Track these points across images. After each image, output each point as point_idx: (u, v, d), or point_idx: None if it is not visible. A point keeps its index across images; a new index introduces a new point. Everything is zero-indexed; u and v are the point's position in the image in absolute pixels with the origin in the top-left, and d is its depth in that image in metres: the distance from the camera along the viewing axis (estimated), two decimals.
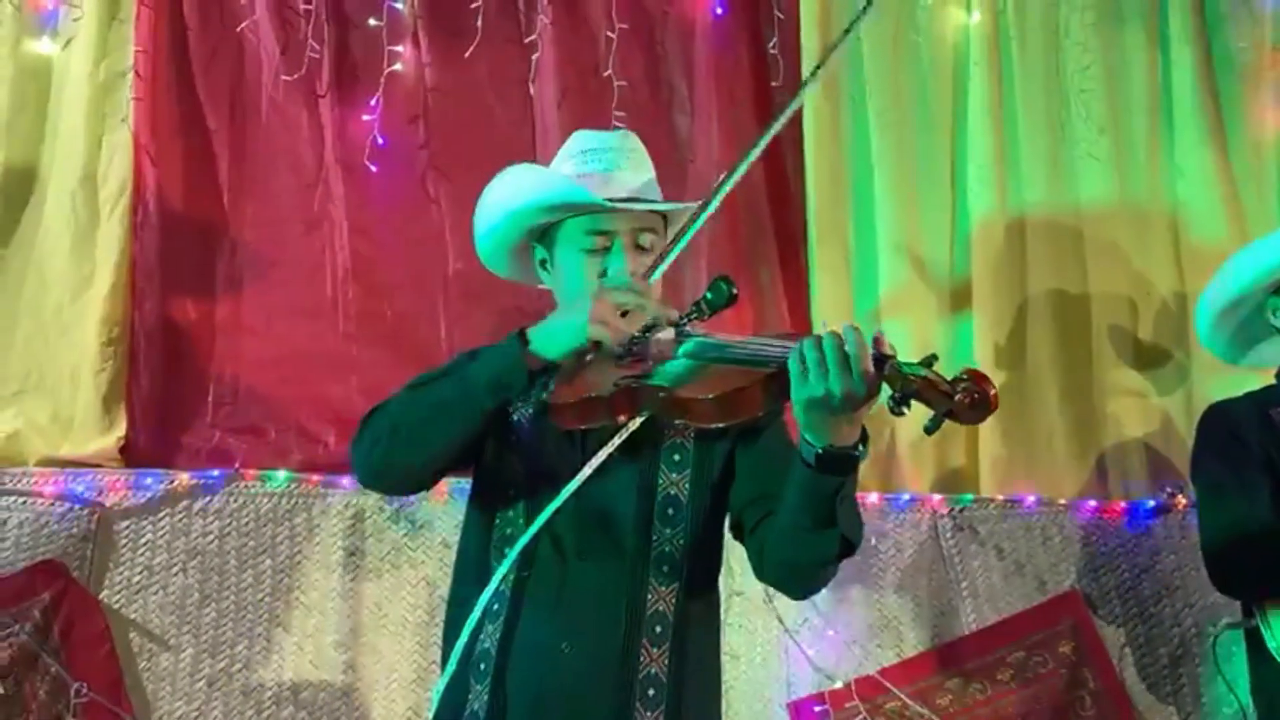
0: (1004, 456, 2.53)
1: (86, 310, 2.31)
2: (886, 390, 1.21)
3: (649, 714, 1.42)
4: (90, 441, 2.28)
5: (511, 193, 1.54)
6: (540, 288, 1.66)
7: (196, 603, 2.22)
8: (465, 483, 1.60)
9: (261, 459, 2.32)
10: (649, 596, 1.45)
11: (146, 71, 2.38)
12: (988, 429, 2.50)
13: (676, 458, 1.51)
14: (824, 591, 2.13)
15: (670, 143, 2.54)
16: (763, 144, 1.41)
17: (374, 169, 2.47)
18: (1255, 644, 2.02)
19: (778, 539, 1.41)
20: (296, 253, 2.45)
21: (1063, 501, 2.53)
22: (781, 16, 2.62)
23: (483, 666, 1.44)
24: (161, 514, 2.24)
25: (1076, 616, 2.43)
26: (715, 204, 1.43)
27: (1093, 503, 2.54)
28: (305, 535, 2.28)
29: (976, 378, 1.16)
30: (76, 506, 2.18)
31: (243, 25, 2.47)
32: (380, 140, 2.47)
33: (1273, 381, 2.16)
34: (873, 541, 2.38)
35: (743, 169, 1.42)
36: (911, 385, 1.18)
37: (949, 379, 1.17)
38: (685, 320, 1.39)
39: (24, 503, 2.18)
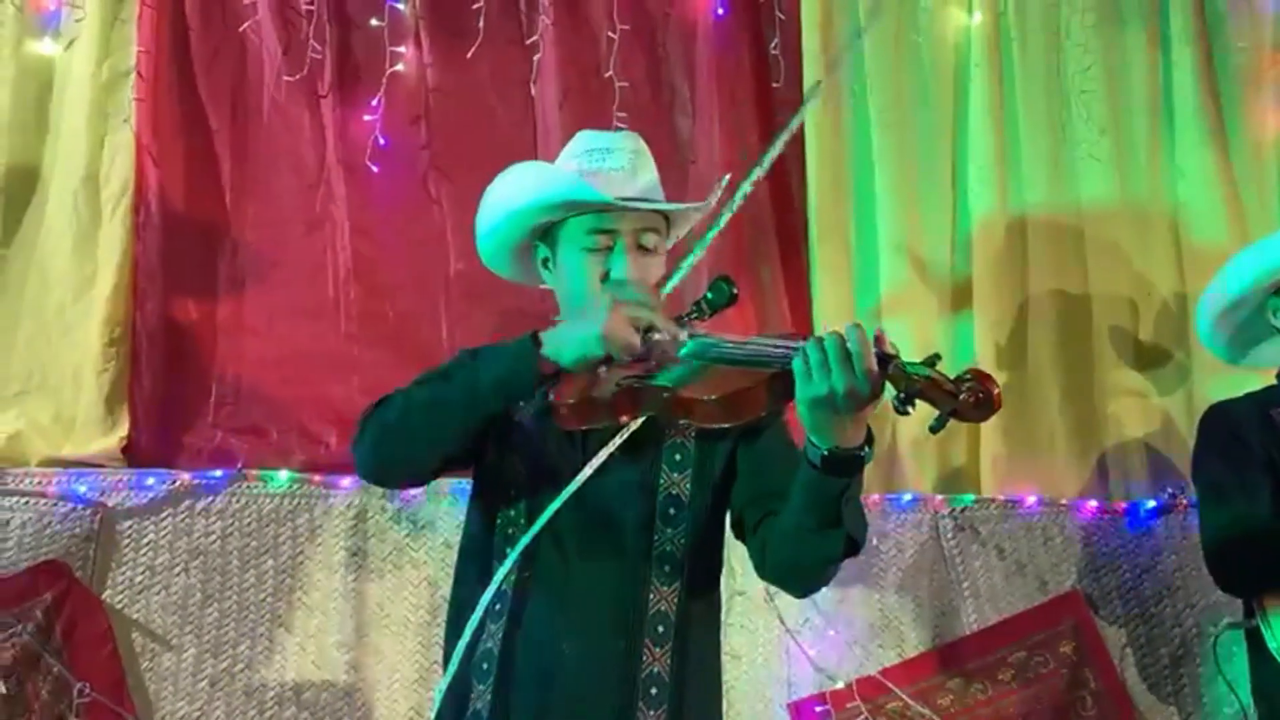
0: (1005, 457, 2.53)
1: (89, 310, 2.31)
2: (891, 390, 1.21)
3: (651, 713, 1.42)
4: (92, 442, 2.28)
5: (516, 190, 1.55)
6: (542, 288, 1.66)
7: (199, 603, 2.22)
8: (467, 483, 1.60)
9: (263, 459, 2.32)
10: (651, 596, 1.45)
11: (148, 72, 2.38)
12: (989, 429, 2.50)
13: (678, 457, 1.51)
14: (825, 591, 2.14)
15: (671, 144, 2.55)
16: (768, 160, 1.41)
17: (375, 169, 2.47)
18: (1256, 644, 2.02)
19: (782, 538, 1.42)
20: (298, 253, 2.45)
21: (1064, 502, 2.53)
22: (783, 17, 2.63)
23: (485, 666, 1.45)
24: (164, 514, 2.24)
25: (1078, 617, 2.43)
26: (725, 220, 1.43)
27: (1094, 503, 2.54)
28: (307, 535, 2.28)
29: (980, 377, 1.17)
30: (79, 506, 2.19)
31: (245, 25, 2.47)
32: (382, 141, 2.47)
33: (1273, 382, 2.17)
34: (874, 541, 2.38)
35: (747, 186, 1.42)
36: (915, 384, 1.19)
37: (953, 378, 1.18)
38: (686, 320, 1.39)
39: (26, 503, 2.18)
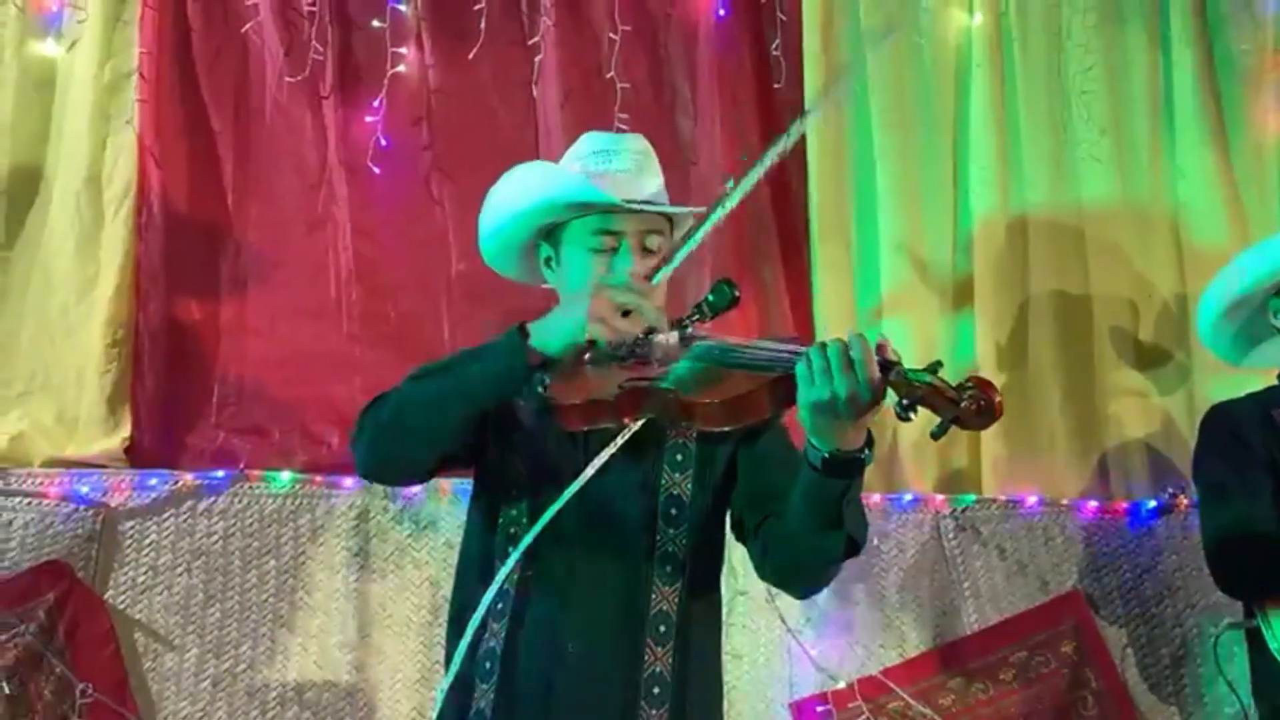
0: (1006, 457, 2.53)
1: (91, 311, 2.32)
2: (893, 397, 1.22)
3: (654, 712, 1.42)
4: (95, 442, 2.28)
5: (522, 189, 1.55)
6: (544, 288, 1.67)
7: (201, 603, 2.23)
8: (469, 483, 1.60)
9: (266, 460, 2.33)
10: (653, 596, 1.46)
11: (151, 73, 2.39)
12: (990, 429, 2.50)
13: (679, 458, 1.51)
14: (826, 592, 2.15)
15: (673, 145, 2.55)
16: (768, 161, 1.41)
17: (377, 170, 2.48)
18: (1257, 644, 2.02)
19: (783, 540, 1.42)
20: (300, 254, 2.45)
21: (1065, 502, 2.54)
22: (784, 19, 2.63)
23: (488, 665, 1.45)
24: (166, 514, 2.24)
25: (1078, 617, 2.43)
26: (718, 216, 1.43)
27: (1094, 503, 2.55)
28: (309, 536, 2.28)
29: (982, 385, 1.18)
30: (81, 507, 2.19)
31: (246, 27, 2.47)
32: (383, 142, 2.48)
33: (1274, 382, 2.17)
34: (875, 542, 2.38)
35: (748, 185, 1.42)
36: (917, 391, 1.20)
37: (955, 385, 1.19)
38: (688, 322, 1.39)
39: (29, 503, 2.18)
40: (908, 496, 2.48)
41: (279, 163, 2.47)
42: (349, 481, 2.30)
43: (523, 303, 2.34)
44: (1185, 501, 2.51)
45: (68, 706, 2.11)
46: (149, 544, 2.23)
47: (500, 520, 1.50)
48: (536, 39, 2.54)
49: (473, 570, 1.52)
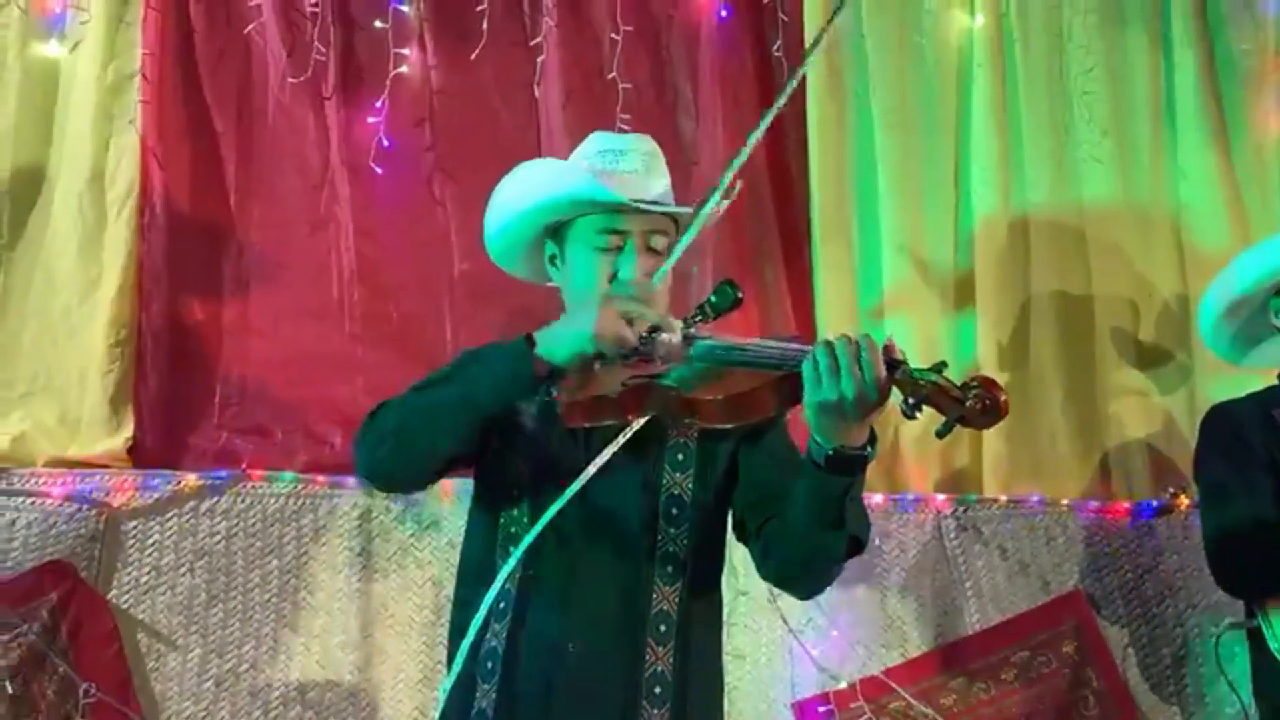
0: (1007, 457, 2.54)
1: (94, 312, 2.32)
2: (898, 395, 1.23)
3: (655, 711, 1.43)
4: (98, 442, 2.29)
5: (530, 186, 1.55)
6: (548, 286, 1.67)
7: (204, 603, 2.23)
8: (471, 483, 1.60)
9: (268, 460, 2.33)
10: (654, 596, 1.46)
11: (153, 74, 2.39)
12: (991, 429, 2.50)
13: (680, 457, 1.51)
14: (828, 592, 2.13)
15: (674, 145, 2.55)
16: (765, 124, 1.41)
17: (380, 171, 2.48)
18: (1258, 644, 2.02)
19: (786, 539, 1.42)
20: (303, 254, 2.46)
21: (1066, 502, 2.54)
22: (786, 19, 2.63)
23: (490, 665, 1.45)
24: (169, 514, 2.25)
25: (1080, 616, 2.43)
26: (715, 202, 1.43)
27: (1096, 503, 2.55)
28: (312, 536, 2.29)
29: (987, 384, 1.19)
30: (84, 507, 2.19)
31: (249, 28, 2.48)
32: (386, 142, 2.48)
33: (1275, 382, 2.17)
34: (877, 542, 2.38)
35: (745, 154, 1.42)
36: (923, 390, 1.21)
37: (960, 384, 1.20)
38: (691, 322, 1.39)
39: (32, 503, 2.19)
40: (910, 496, 2.49)
41: (281, 163, 2.47)
42: (351, 481, 2.31)
43: (526, 303, 2.35)
44: (1186, 501, 2.51)
45: (71, 706, 2.11)
46: (152, 544, 2.24)
47: (501, 520, 1.50)
48: (538, 40, 2.55)
49: (474, 570, 1.52)
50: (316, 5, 2.47)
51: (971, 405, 1.19)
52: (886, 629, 2.39)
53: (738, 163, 1.40)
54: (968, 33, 2.70)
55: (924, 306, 2.60)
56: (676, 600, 1.46)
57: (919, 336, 2.56)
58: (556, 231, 1.58)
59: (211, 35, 2.47)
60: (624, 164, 1.55)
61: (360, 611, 2.26)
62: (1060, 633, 2.41)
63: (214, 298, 2.42)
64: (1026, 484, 2.54)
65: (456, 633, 1.49)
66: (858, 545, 1.39)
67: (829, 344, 1.26)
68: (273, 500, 2.29)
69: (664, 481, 1.50)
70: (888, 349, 1.25)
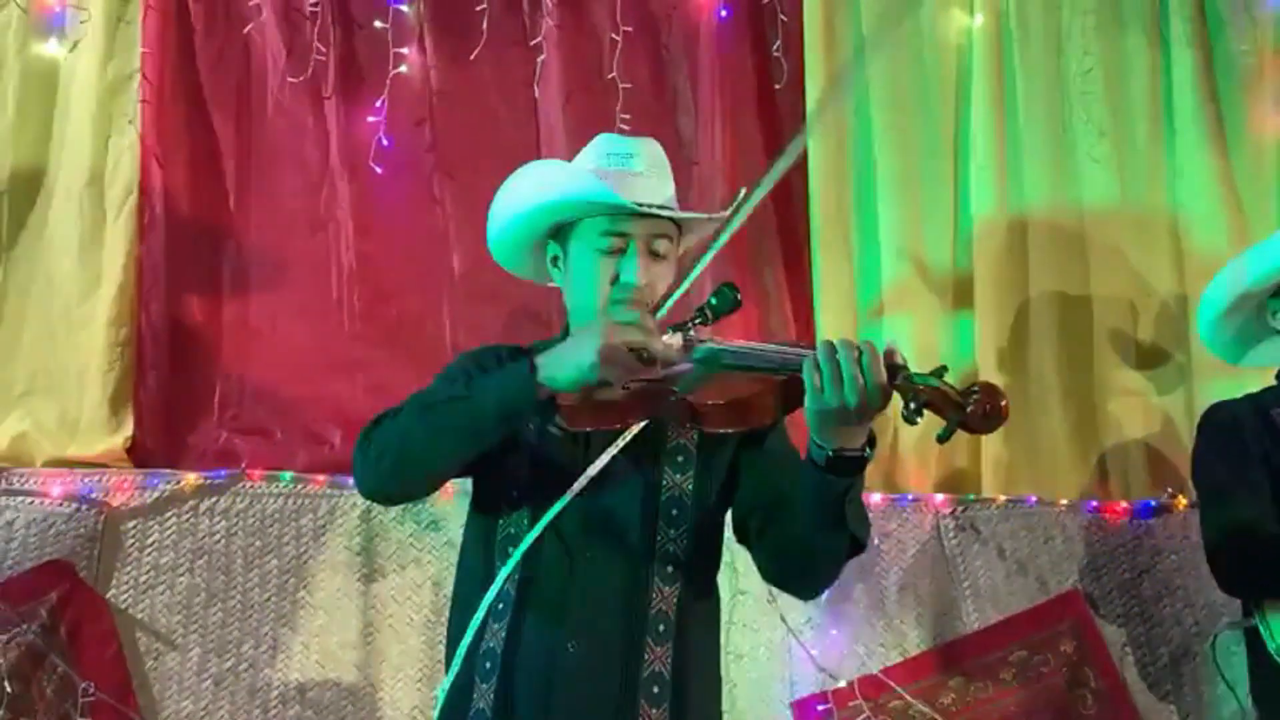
0: (1006, 457, 2.54)
1: (94, 311, 2.32)
2: (899, 400, 1.23)
3: (654, 711, 1.43)
4: (97, 442, 2.29)
5: (540, 185, 1.55)
6: (548, 287, 1.67)
7: (203, 602, 2.23)
8: (470, 483, 1.60)
9: (268, 459, 2.33)
10: (653, 596, 1.46)
11: (153, 74, 2.39)
12: None
13: (680, 459, 1.52)
14: (827, 591, 2.15)
15: (674, 145, 2.55)
16: (773, 179, 1.41)
17: (379, 171, 2.48)
18: (1255, 644, 2.03)
19: (788, 541, 1.43)
20: (302, 254, 2.46)
21: (1064, 502, 2.54)
22: (785, 19, 2.63)
23: (488, 665, 1.46)
24: (168, 514, 2.25)
25: (1078, 616, 2.44)
26: (725, 239, 1.44)
27: (1094, 503, 2.55)
28: (311, 535, 2.29)
29: (988, 389, 1.20)
30: (83, 507, 2.19)
31: (249, 27, 2.48)
32: (385, 142, 2.48)
33: (1273, 382, 2.17)
34: (876, 541, 2.39)
35: (756, 199, 1.43)
36: (924, 396, 1.22)
37: (960, 390, 1.20)
38: (690, 326, 1.39)
39: (31, 503, 2.19)
40: (909, 496, 2.49)
41: (281, 163, 2.47)
42: (351, 481, 2.29)
43: (524, 302, 2.36)
44: (1184, 501, 2.52)
45: (70, 705, 2.11)
46: (151, 543, 2.24)
47: (501, 521, 1.51)
48: (538, 39, 2.55)
49: (473, 570, 1.53)
50: (316, 5, 2.48)
51: (972, 410, 1.20)
52: (885, 628, 2.39)
53: (750, 205, 1.40)
54: (967, 32, 2.70)
55: (923, 307, 2.61)
56: (675, 600, 1.47)
57: (918, 337, 2.57)
58: (559, 232, 1.58)
59: (211, 35, 2.47)
60: (630, 167, 1.55)
61: (360, 611, 2.26)
62: (1058, 632, 2.42)
63: (213, 297, 2.43)
64: (1025, 484, 2.54)
65: (456, 633, 1.49)
66: (858, 545, 1.40)
67: (831, 351, 1.26)
68: (272, 500, 2.29)
69: (664, 482, 1.50)
70: (889, 354, 1.26)
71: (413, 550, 2.31)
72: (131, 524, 2.23)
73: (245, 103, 2.48)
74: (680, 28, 2.62)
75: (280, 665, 2.23)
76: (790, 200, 2.63)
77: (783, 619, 2.31)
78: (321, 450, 2.36)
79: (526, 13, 2.56)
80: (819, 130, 2.59)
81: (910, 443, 2.53)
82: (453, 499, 2.27)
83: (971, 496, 2.51)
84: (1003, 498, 2.51)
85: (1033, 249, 2.66)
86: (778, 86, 2.64)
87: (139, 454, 2.32)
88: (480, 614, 1.42)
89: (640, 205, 1.50)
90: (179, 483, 2.26)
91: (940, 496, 2.50)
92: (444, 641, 1.58)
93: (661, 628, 1.45)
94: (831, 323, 2.54)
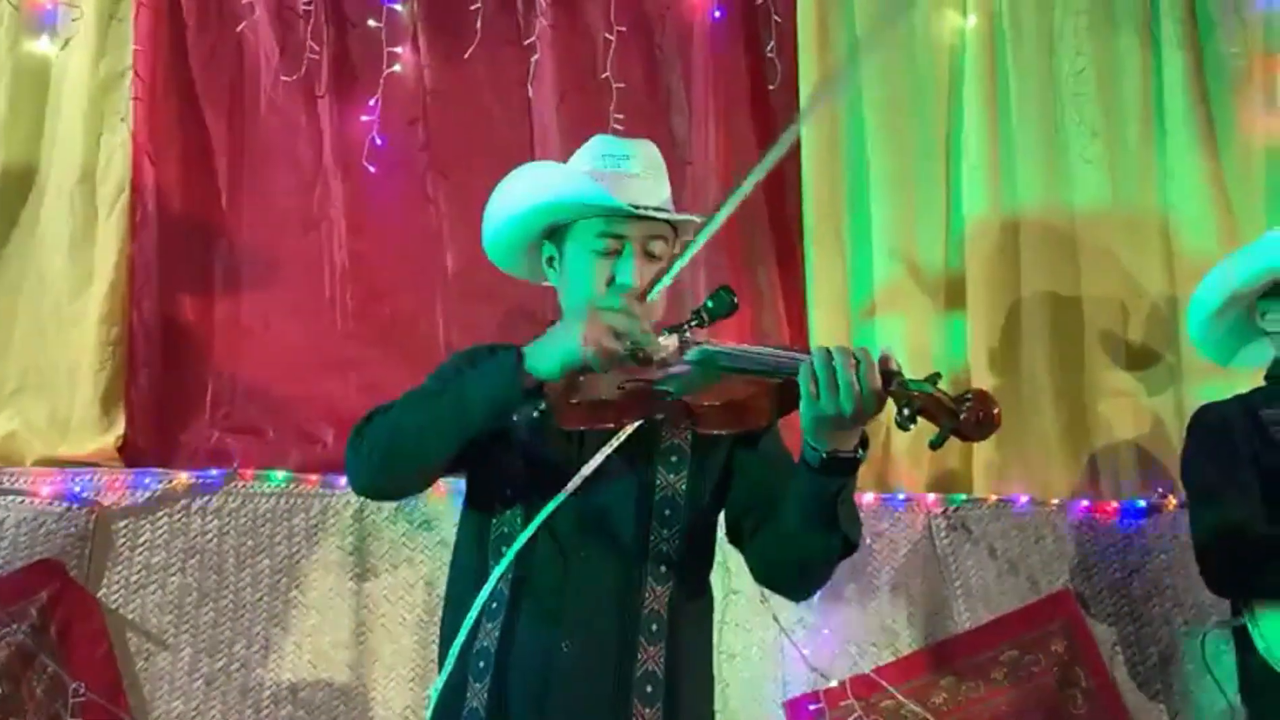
0: (997, 457, 2.55)
1: (85, 309, 2.31)
2: (893, 406, 1.24)
3: (647, 710, 1.43)
4: (88, 441, 2.27)
5: (536, 186, 1.55)
6: (543, 285, 1.67)
7: (194, 602, 2.22)
8: (463, 482, 1.60)
9: (260, 458, 2.32)
10: (646, 595, 1.47)
11: (145, 71, 2.38)
12: None
13: (674, 459, 1.52)
14: (819, 591, 2.16)
15: (668, 145, 2.54)
16: (765, 168, 1.41)
17: (372, 170, 2.47)
18: (1243, 643, 2.04)
19: (780, 541, 1.43)
20: (295, 253, 2.45)
21: (1055, 502, 2.56)
22: (779, 20, 2.64)
23: (482, 664, 1.45)
24: (160, 513, 2.24)
25: (1069, 615, 2.45)
26: (715, 226, 1.44)
27: (1084, 503, 2.57)
28: (304, 535, 2.28)
29: (981, 397, 1.21)
30: (74, 506, 2.18)
31: (242, 25, 2.47)
32: (379, 141, 2.48)
33: (1262, 383, 2.19)
34: (868, 541, 2.40)
35: (745, 189, 1.43)
36: (918, 402, 1.23)
37: (954, 396, 1.21)
38: (686, 327, 1.40)
39: (22, 502, 2.17)
40: (900, 496, 2.50)
41: (274, 161, 2.46)
42: (343, 481, 2.29)
43: (518, 302, 2.36)
44: (1174, 501, 2.53)
45: (60, 705, 2.10)
46: (142, 543, 2.23)
47: (494, 520, 1.50)
48: (532, 39, 2.55)
49: (467, 569, 1.52)
50: (309, 3, 2.47)
51: (966, 418, 1.20)
52: (877, 628, 2.40)
53: (737, 196, 1.40)
54: (960, 33, 2.71)
55: (915, 307, 2.62)
56: (668, 600, 1.47)
57: (910, 337, 2.58)
58: (554, 233, 1.58)
59: (204, 32, 2.46)
60: (626, 169, 1.55)
61: (352, 611, 2.26)
62: (1049, 632, 2.43)
63: (206, 296, 2.41)
64: (1016, 484, 2.55)
65: (449, 631, 1.48)
66: (850, 545, 1.40)
67: (827, 358, 1.27)
68: (264, 499, 2.28)
69: (657, 482, 1.50)
70: (884, 361, 1.27)
71: (405, 550, 2.30)
72: (123, 523, 2.22)
73: (238, 101, 2.47)
74: (674, 28, 2.63)
75: (272, 665, 2.22)
76: (784, 200, 2.63)
77: (775, 619, 2.32)
78: (314, 449, 2.35)
79: (520, 12, 2.56)
80: (812, 130, 2.60)
81: (903, 443, 2.54)
82: (445, 498, 2.27)
83: (963, 496, 2.52)
84: (994, 498, 2.53)
85: (1025, 249, 2.67)
86: (771, 87, 2.65)
87: (130, 453, 2.30)
88: (474, 613, 1.42)
89: (636, 208, 1.50)
90: (170, 482, 2.25)
91: (932, 496, 2.51)
92: (436, 641, 1.58)
93: (654, 627, 1.46)
94: (824, 322, 2.54)
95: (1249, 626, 2.00)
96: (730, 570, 2.23)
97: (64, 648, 2.12)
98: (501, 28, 2.55)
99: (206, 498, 2.26)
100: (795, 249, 2.62)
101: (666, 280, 1.45)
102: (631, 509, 1.49)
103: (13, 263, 2.35)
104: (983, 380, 2.55)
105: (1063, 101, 2.72)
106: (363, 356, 2.41)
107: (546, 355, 1.36)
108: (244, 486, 2.28)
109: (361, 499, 2.29)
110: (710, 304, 1.39)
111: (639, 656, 1.44)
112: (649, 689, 1.43)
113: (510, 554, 1.43)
